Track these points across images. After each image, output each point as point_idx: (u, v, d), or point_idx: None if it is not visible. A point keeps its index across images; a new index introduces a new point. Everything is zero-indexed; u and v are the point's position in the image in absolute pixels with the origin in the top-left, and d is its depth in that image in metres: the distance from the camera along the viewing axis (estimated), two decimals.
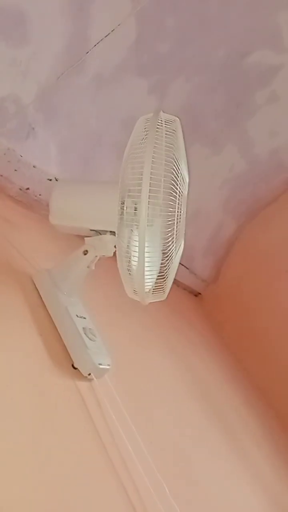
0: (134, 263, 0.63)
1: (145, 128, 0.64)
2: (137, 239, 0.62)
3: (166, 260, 0.71)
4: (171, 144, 0.65)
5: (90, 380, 0.70)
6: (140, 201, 0.60)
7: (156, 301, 0.73)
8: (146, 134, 0.63)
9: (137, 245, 0.61)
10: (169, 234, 0.68)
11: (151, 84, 1.17)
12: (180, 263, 0.77)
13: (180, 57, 1.19)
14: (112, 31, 0.91)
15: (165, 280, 0.73)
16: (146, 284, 0.64)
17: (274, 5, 1.23)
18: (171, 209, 0.66)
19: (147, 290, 0.66)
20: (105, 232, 0.74)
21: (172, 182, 0.65)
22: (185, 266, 1.65)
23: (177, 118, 0.69)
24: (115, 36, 0.96)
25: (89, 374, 0.69)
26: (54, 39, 0.88)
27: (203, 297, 1.84)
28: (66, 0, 0.85)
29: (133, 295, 0.67)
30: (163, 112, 0.66)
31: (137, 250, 0.62)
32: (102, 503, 0.57)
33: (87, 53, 0.91)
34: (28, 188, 0.98)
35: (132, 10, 0.94)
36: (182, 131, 0.80)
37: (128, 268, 0.65)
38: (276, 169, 1.74)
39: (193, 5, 1.10)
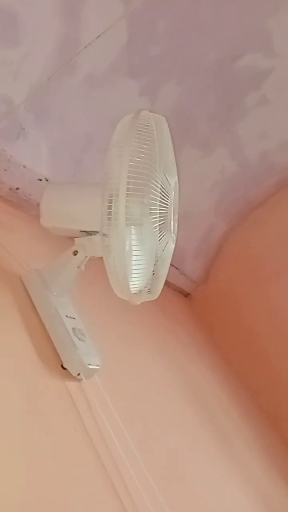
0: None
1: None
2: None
3: (156, 260, 0.72)
4: (149, 141, 0.66)
5: (80, 380, 0.70)
6: (118, 199, 0.61)
7: (146, 302, 0.73)
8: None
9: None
10: (160, 234, 0.68)
11: (142, 85, 1.17)
12: (170, 264, 0.78)
13: (171, 59, 1.20)
14: (103, 32, 0.91)
15: (156, 281, 0.74)
16: (132, 284, 0.65)
17: (265, 10, 1.24)
18: (162, 208, 0.67)
19: (134, 291, 0.66)
20: (95, 232, 0.75)
21: (157, 181, 0.66)
22: (175, 267, 1.65)
23: (162, 117, 0.69)
24: (106, 37, 0.96)
25: (79, 374, 0.69)
26: (45, 40, 0.88)
27: (193, 297, 1.85)
28: (58, 2, 0.86)
29: (121, 295, 0.67)
30: (150, 111, 0.67)
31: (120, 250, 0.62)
32: (92, 503, 0.57)
33: (78, 54, 0.91)
34: (18, 188, 0.98)
35: (124, 12, 0.94)
36: (171, 132, 0.81)
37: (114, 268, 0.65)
38: (267, 171, 1.76)
39: (185, 8, 1.11)
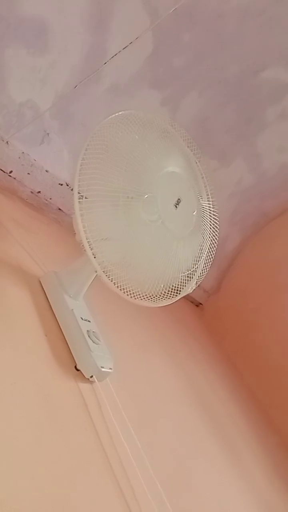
0: None
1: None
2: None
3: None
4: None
5: (92, 382, 0.71)
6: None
7: (159, 310, 0.75)
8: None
9: None
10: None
11: (164, 96, 1.19)
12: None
13: (194, 71, 1.22)
14: (130, 43, 0.94)
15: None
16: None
17: None
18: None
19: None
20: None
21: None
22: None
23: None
24: (132, 48, 0.98)
25: (91, 377, 0.70)
26: (73, 49, 0.91)
27: (204, 307, 1.85)
28: (87, 13, 0.88)
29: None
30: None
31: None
32: (99, 504, 0.58)
33: (104, 63, 0.93)
34: (39, 192, 1.01)
35: (150, 25, 0.97)
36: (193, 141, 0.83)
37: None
38: (283, 184, 1.76)
39: (210, 21, 1.13)
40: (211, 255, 0.84)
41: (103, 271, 0.71)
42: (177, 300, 0.79)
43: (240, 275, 1.88)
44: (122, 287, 0.70)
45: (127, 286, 0.72)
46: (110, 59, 0.93)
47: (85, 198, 0.67)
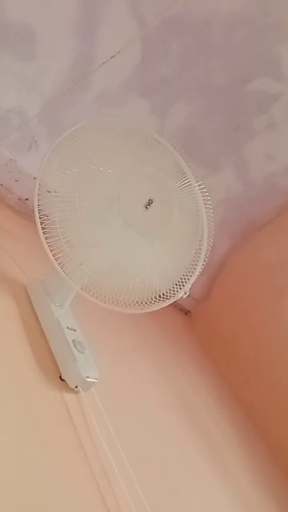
0: None
1: None
2: None
3: None
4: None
5: (77, 392, 0.70)
6: None
7: (146, 318, 0.74)
8: None
9: None
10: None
11: (153, 104, 1.20)
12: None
13: (182, 80, 1.23)
14: (118, 52, 0.94)
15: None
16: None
17: (276, 36, 1.27)
18: None
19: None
20: None
21: None
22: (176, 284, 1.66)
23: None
24: (121, 57, 0.99)
25: (76, 387, 0.69)
26: (61, 56, 0.91)
27: (193, 315, 1.85)
28: (76, 20, 0.88)
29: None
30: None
31: None
32: None
33: (93, 72, 0.94)
34: (27, 199, 1.00)
35: (139, 33, 0.97)
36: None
37: None
38: (271, 193, 1.78)
39: (198, 31, 1.14)
40: (206, 258, 0.81)
41: (83, 284, 0.71)
42: (164, 307, 0.79)
43: (229, 283, 1.88)
44: (104, 296, 0.70)
45: (111, 294, 0.71)
46: (99, 67, 0.93)
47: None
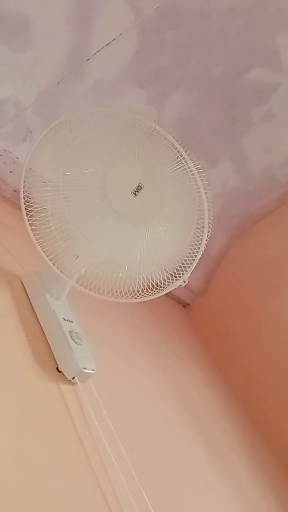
0: None
1: None
2: None
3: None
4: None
5: (74, 384, 0.69)
6: None
7: (144, 309, 0.74)
8: None
9: None
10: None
11: (150, 95, 1.19)
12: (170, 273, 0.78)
13: (179, 70, 1.21)
14: (113, 40, 0.93)
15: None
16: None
17: (273, 26, 1.26)
18: None
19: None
20: None
21: None
22: (174, 276, 1.65)
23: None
24: (116, 46, 0.97)
25: (73, 378, 0.69)
26: (56, 46, 0.89)
27: (191, 308, 1.85)
28: (70, 9, 0.87)
29: None
30: None
31: None
32: (81, 508, 0.57)
33: (87, 60, 0.92)
34: None
35: (135, 21, 0.96)
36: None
37: None
38: (269, 185, 1.77)
39: (194, 21, 1.13)
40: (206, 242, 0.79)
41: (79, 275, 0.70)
42: (163, 299, 0.78)
43: (227, 276, 1.88)
44: (100, 287, 0.69)
45: (107, 285, 0.70)
46: (93, 55, 0.92)
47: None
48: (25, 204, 0.69)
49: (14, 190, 0.98)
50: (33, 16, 0.86)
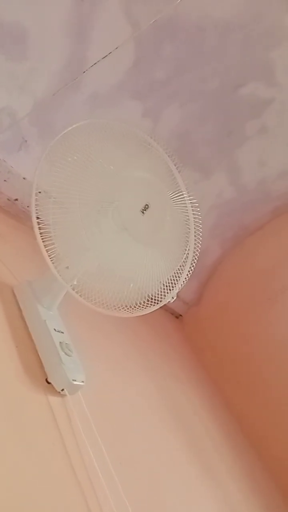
0: None
1: None
2: None
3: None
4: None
5: (63, 395, 0.69)
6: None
7: (136, 321, 0.73)
8: None
9: None
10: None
11: (145, 107, 1.20)
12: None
13: (175, 83, 1.22)
14: (109, 53, 0.94)
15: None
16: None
17: (269, 42, 1.28)
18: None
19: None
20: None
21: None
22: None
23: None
24: (113, 58, 0.98)
25: (62, 390, 0.68)
26: (53, 57, 0.90)
27: (184, 319, 1.84)
28: (67, 20, 0.88)
29: None
30: None
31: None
32: None
33: (84, 72, 0.93)
34: (16, 199, 0.99)
35: (132, 34, 0.97)
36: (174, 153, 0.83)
37: None
38: (263, 198, 1.78)
39: (191, 35, 1.14)
40: (194, 263, 0.82)
41: (73, 286, 0.70)
42: (154, 311, 0.78)
43: (221, 288, 1.88)
44: (95, 299, 0.69)
45: (102, 297, 0.70)
46: (90, 67, 0.93)
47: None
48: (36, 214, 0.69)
49: (8, 199, 0.98)
50: (30, 27, 0.86)
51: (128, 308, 0.74)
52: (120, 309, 0.73)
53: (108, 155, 0.73)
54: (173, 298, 0.75)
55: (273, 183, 1.73)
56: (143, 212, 0.72)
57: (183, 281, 0.79)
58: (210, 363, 1.70)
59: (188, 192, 0.83)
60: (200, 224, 0.82)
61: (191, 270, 0.79)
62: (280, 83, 1.37)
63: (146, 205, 0.72)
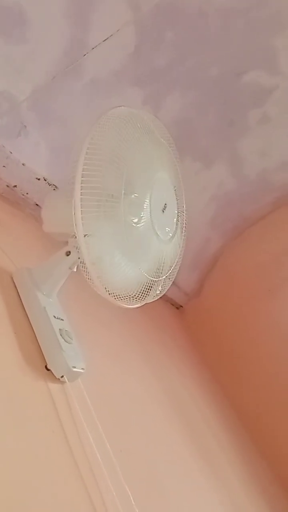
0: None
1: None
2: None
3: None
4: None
5: (63, 382, 0.68)
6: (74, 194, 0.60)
7: (137, 310, 0.73)
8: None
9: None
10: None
11: (146, 94, 1.18)
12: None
13: (176, 71, 1.21)
14: (110, 36, 0.92)
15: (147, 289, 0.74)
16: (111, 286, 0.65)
17: (272, 28, 1.26)
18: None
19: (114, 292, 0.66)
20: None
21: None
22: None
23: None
24: (113, 43, 0.97)
25: (62, 377, 0.68)
26: (52, 40, 0.88)
27: (185, 310, 1.84)
28: (67, 3, 0.86)
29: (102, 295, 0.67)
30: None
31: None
32: (65, 510, 0.55)
33: (84, 55, 0.91)
34: (15, 186, 0.97)
35: (133, 18, 0.95)
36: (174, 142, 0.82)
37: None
38: (264, 189, 1.76)
39: (192, 21, 1.12)
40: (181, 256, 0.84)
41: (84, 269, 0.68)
42: (156, 301, 0.78)
43: (221, 279, 1.87)
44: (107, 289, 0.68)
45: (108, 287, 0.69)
46: (90, 51, 0.91)
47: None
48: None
49: (7, 185, 0.97)
50: (29, 10, 0.84)
51: (129, 299, 0.73)
52: (123, 299, 0.72)
53: (133, 148, 0.72)
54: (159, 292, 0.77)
55: (274, 174, 1.72)
56: (163, 211, 0.75)
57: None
58: (210, 354, 1.69)
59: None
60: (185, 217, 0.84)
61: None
62: (284, 71, 1.36)
63: (165, 204, 0.76)
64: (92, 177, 0.61)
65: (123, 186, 0.67)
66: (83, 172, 0.60)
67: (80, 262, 0.65)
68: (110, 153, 0.66)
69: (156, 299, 0.77)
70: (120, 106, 0.69)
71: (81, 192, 0.60)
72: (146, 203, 0.71)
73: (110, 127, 0.67)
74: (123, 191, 0.66)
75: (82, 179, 0.60)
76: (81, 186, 0.60)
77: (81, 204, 0.61)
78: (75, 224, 0.62)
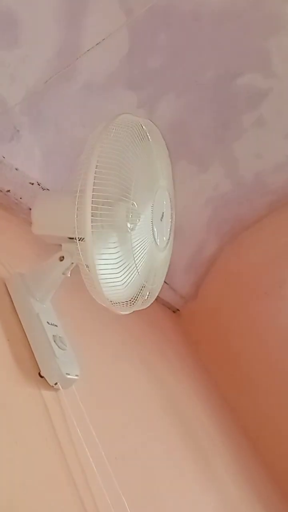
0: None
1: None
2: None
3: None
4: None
5: (57, 390, 0.67)
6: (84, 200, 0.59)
7: (133, 315, 0.72)
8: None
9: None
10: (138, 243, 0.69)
11: (140, 98, 1.17)
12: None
13: (170, 73, 1.20)
14: (102, 40, 0.91)
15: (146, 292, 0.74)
16: (110, 292, 0.64)
17: (266, 31, 1.26)
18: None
19: (113, 298, 0.65)
20: (82, 239, 0.73)
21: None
22: (165, 281, 1.64)
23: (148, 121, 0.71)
24: (107, 47, 0.96)
25: (56, 384, 0.67)
26: (45, 44, 0.88)
27: (181, 313, 1.83)
28: (59, 7, 0.86)
29: (101, 302, 0.66)
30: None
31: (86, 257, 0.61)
32: None
33: (77, 59, 0.91)
34: (8, 191, 0.97)
35: (126, 21, 0.95)
36: (168, 146, 0.82)
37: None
38: (260, 191, 1.76)
39: (186, 23, 1.12)
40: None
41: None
42: (152, 304, 0.77)
43: (217, 282, 1.87)
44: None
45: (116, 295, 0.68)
46: (83, 54, 0.91)
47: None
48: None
49: (0, 190, 0.96)
50: (22, 14, 0.84)
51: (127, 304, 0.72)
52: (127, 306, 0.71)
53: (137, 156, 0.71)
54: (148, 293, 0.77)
55: (269, 176, 1.72)
56: (161, 219, 0.76)
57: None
58: (207, 357, 1.69)
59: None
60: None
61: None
62: (278, 74, 1.36)
63: (163, 213, 0.77)
64: (100, 185, 0.60)
65: (130, 194, 0.66)
66: (95, 181, 0.60)
67: (86, 266, 0.63)
68: (118, 160, 0.66)
69: (148, 305, 0.77)
70: (126, 113, 0.68)
71: (92, 201, 0.59)
72: (148, 211, 0.72)
73: (118, 135, 0.66)
74: (131, 200, 0.66)
75: (94, 187, 0.59)
76: (92, 194, 0.60)
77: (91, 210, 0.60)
78: (77, 228, 0.61)
